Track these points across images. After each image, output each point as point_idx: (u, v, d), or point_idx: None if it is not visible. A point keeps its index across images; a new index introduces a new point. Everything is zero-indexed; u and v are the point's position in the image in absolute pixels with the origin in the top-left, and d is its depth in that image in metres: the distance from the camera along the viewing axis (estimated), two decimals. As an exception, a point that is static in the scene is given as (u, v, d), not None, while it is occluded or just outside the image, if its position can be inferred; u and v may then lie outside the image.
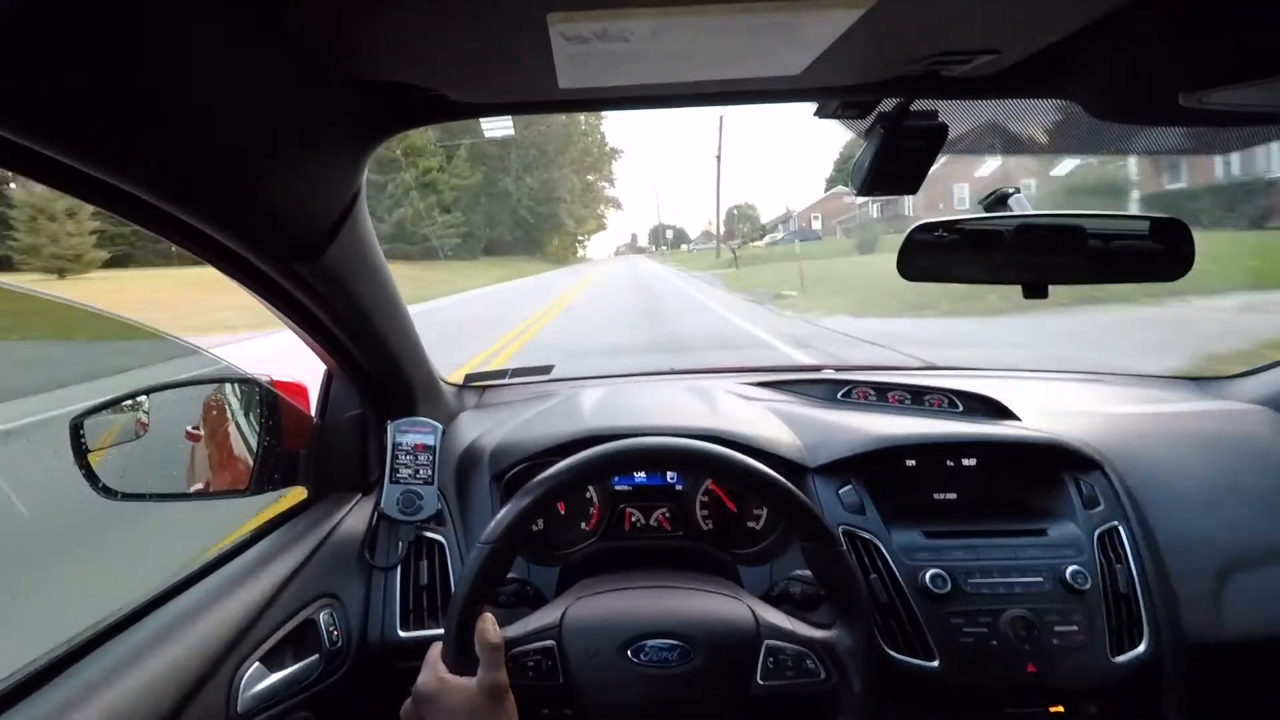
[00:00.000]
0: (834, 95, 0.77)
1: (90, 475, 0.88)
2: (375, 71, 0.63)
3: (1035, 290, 0.97)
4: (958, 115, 0.84)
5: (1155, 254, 0.98)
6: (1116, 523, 1.12)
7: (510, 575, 1.07)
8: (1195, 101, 0.66)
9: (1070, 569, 1.04)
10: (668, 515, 1.25)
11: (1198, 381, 1.62)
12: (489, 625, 0.80)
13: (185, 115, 0.50)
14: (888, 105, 0.78)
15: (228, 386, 1.08)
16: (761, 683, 0.83)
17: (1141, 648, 1.02)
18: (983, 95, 0.75)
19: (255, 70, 0.53)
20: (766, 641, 0.84)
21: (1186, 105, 0.67)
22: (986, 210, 1.05)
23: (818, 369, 1.69)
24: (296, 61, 0.56)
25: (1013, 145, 0.96)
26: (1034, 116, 0.84)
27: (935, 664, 0.99)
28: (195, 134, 0.53)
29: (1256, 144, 0.82)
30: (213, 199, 0.59)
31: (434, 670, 0.79)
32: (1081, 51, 0.60)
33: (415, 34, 0.55)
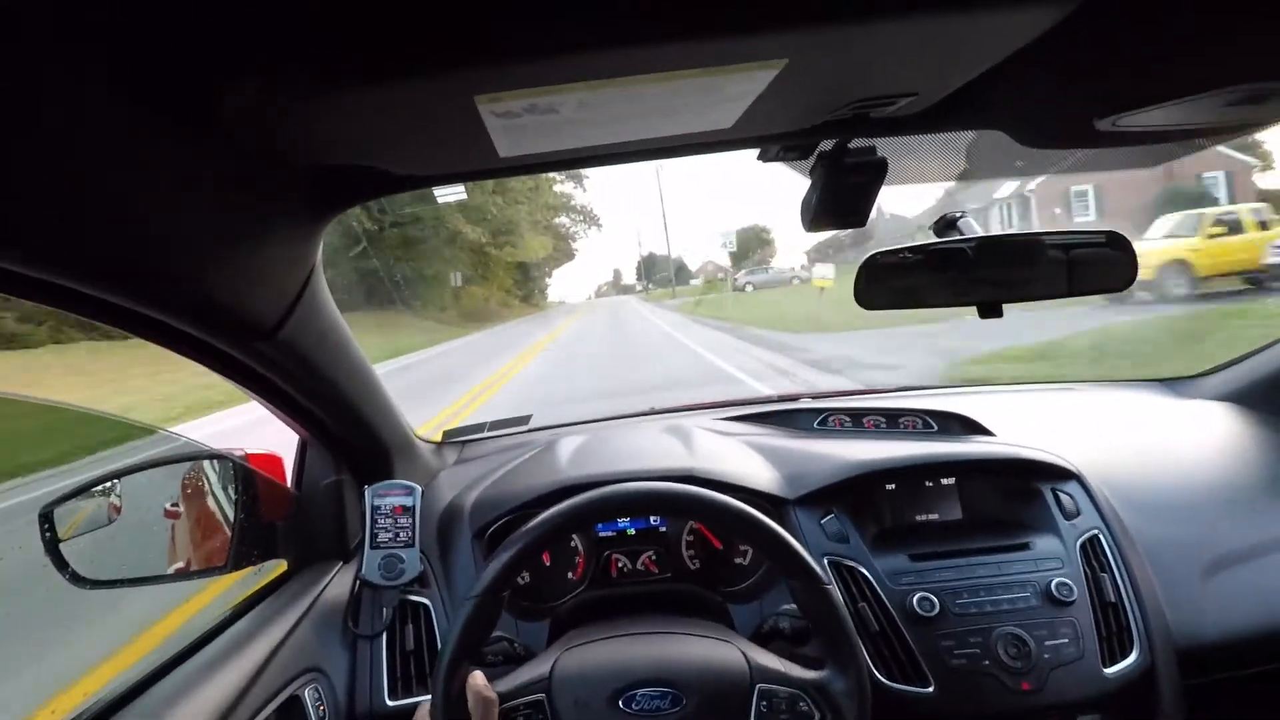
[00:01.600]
0: (770, 142, 0.79)
1: (61, 564, 0.87)
2: (317, 155, 0.64)
3: (990, 310, 0.99)
4: (896, 149, 0.87)
5: (1110, 263, 1.01)
6: (1097, 531, 1.13)
7: (498, 634, 1.06)
8: (1110, 125, 0.69)
9: (1055, 581, 1.05)
10: (654, 558, 1.24)
11: (1165, 382, 1.65)
12: (480, 681, 0.79)
13: (132, 212, 0.51)
14: (827, 145, 0.81)
15: (202, 464, 1.08)
16: None
17: (1133, 656, 1.02)
18: (911, 131, 0.78)
19: (199, 164, 0.55)
20: (759, 685, 0.83)
21: (1102, 129, 0.70)
22: (937, 235, 1.08)
23: (795, 398, 1.70)
24: (239, 153, 0.57)
25: (951, 174, 1.00)
26: (966, 146, 0.87)
27: (930, 690, 0.99)
28: (144, 230, 0.54)
29: (1172, 159, 0.86)
30: (168, 289, 0.60)
31: None
32: (998, 85, 0.63)
33: (351, 119, 0.56)
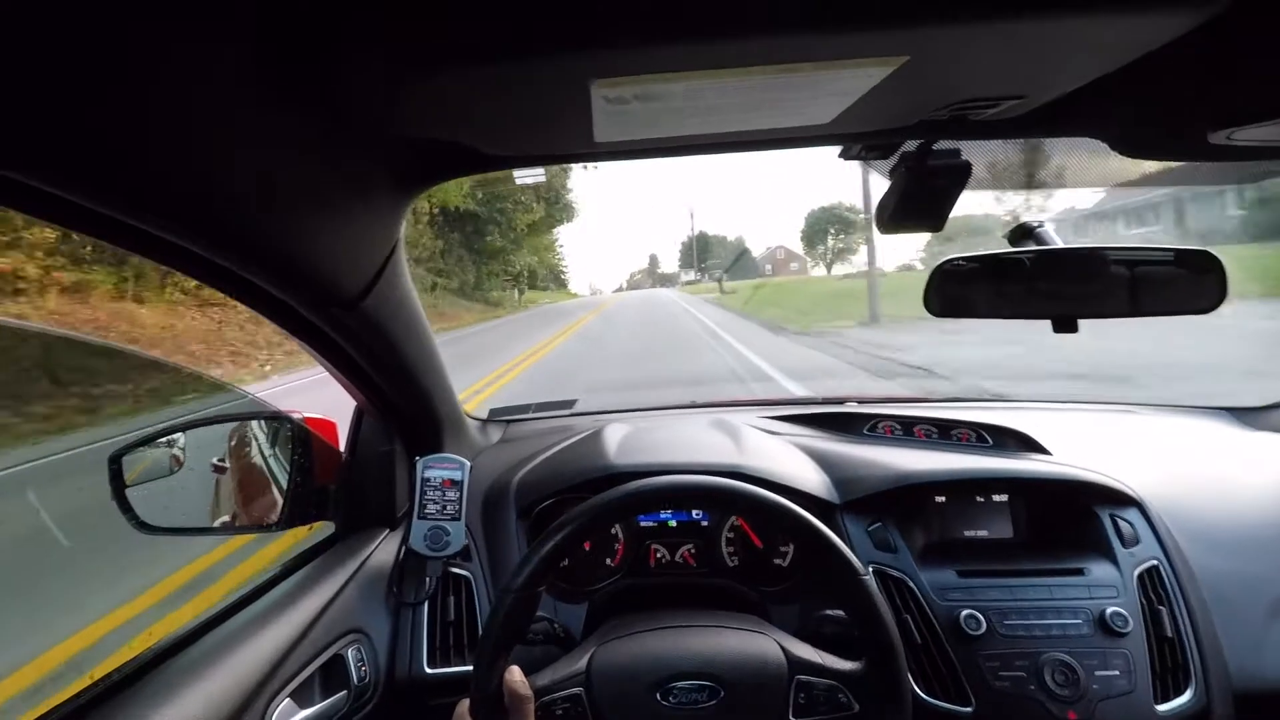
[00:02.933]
0: (859, 140, 0.78)
1: (126, 508, 0.90)
2: (414, 128, 0.65)
3: (1064, 324, 0.96)
4: (981, 153, 0.84)
5: (1183, 283, 0.97)
6: (1157, 562, 1.08)
7: (538, 614, 1.07)
8: (1224, 139, 0.66)
9: (1110, 610, 1.01)
10: (693, 552, 1.24)
11: (1233, 411, 1.58)
12: (517, 677, 0.79)
13: (236, 176, 0.53)
14: (911, 145, 0.79)
15: (260, 422, 1.10)
16: (794, 719, 0.82)
17: (1188, 695, 0.98)
18: (1007, 135, 0.75)
19: (301, 133, 0.56)
20: (797, 677, 0.83)
21: (1215, 142, 0.67)
22: (1011, 243, 1.05)
23: (841, 402, 1.68)
24: (340, 119, 0.58)
25: (1037, 181, 0.97)
26: (1059, 153, 0.84)
27: (970, 709, 0.96)
28: (245, 193, 0.55)
29: (1277, 175, 0.82)
30: (260, 252, 0.62)
31: None
32: (1108, 93, 0.60)
33: (458, 96, 0.56)
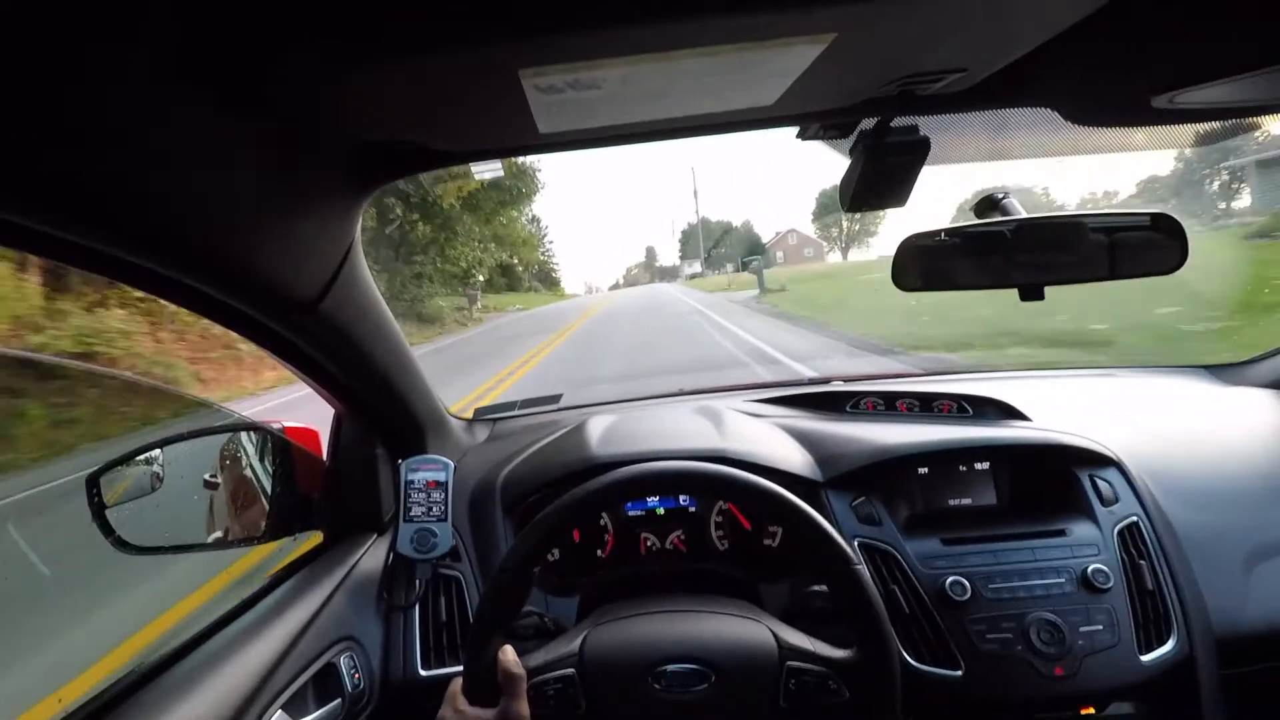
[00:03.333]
0: (811, 119, 0.78)
1: (106, 529, 0.90)
2: (359, 129, 0.65)
3: (1031, 292, 0.97)
4: (939, 127, 0.85)
5: (1155, 246, 0.99)
6: (1136, 518, 1.11)
7: (528, 609, 1.07)
8: (1167, 102, 0.66)
9: (1092, 567, 1.03)
10: (682, 538, 1.25)
11: (1210, 369, 1.61)
12: (510, 656, 0.80)
13: (179, 187, 0.52)
14: (868, 124, 0.79)
15: (240, 435, 1.10)
16: (785, 705, 0.82)
17: (1170, 644, 1.00)
18: (958, 109, 0.76)
19: (243, 135, 0.55)
20: (789, 663, 0.83)
21: (1159, 106, 0.68)
22: (978, 215, 1.05)
23: (825, 381, 1.69)
24: (282, 125, 0.58)
25: (996, 152, 0.97)
26: (1015, 124, 0.85)
27: (959, 673, 0.98)
28: (190, 203, 0.55)
29: (1229, 137, 0.83)
30: (211, 262, 0.61)
31: (454, 703, 0.79)
32: (1051, 62, 0.61)
33: (394, 93, 0.56)
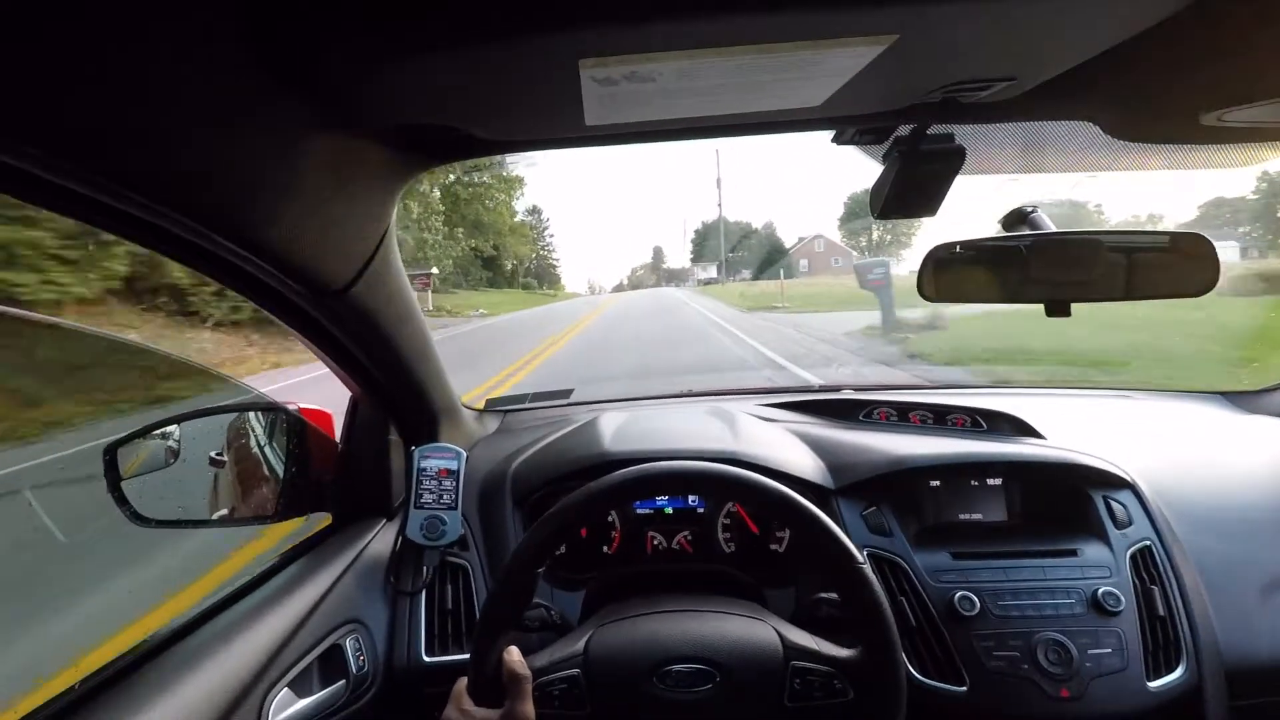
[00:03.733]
0: (851, 123, 0.78)
1: (122, 501, 0.90)
2: (406, 115, 0.64)
3: (1058, 308, 0.96)
4: (975, 137, 0.84)
5: (1178, 268, 0.98)
6: (1149, 542, 1.10)
7: (535, 601, 1.07)
8: (1216, 120, 0.66)
9: (1102, 590, 1.02)
10: (690, 538, 1.24)
11: (1228, 396, 1.59)
12: (515, 657, 0.79)
13: (226, 165, 0.53)
14: (904, 130, 0.79)
15: (255, 414, 1.10)
16: (789, 705, 0.82)
17: (1179, 672, 0.99)
18: (1000, 119, 0.75)
19: (291, 121, 0.55)
20: (793, 662, 0.83)
21: (1207, 124, 0.67)
22: (1005, 228, 1.05)
23: (837, 389, 1.68)
24: (330, 109, 0.58)
25: (1031, 165, 0.96)
26: (1052, 137, 0.84)
27: (964, 689, 0.98)
28: (236, 181, 0.55)
29: (1267, 159, 0.82)
30: (251, 238, 0.61)
31: (459, 703, 0.78)
32: (1100, 75, 0.60)
33: (447, 80, 0.56)
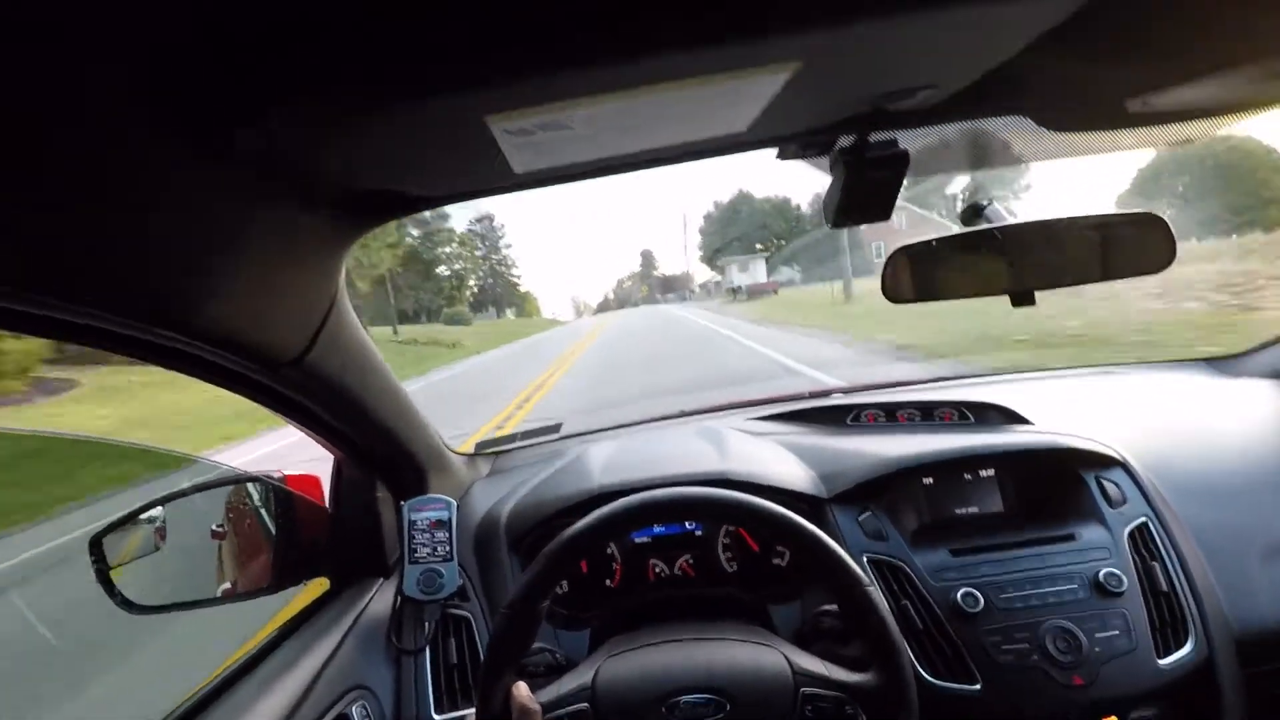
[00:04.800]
0: (788, 141, 0.78)
1: (112, 591, 0.89)
2: (338, 179, 0.65)
3: (1022, 298, 0.97)
4: (918, 140, 0.85)
5: (1143, 246, 0.99)
6: (1145, 518, 1.10)
7: (539, 645, 1.06)
8: (1141, 105, 0.67)
9: (1104, 571, 1.02)
10: (691, 562, 1.24)
11: (1209, 361, 1.60)
12: (523, 693, 0.79)
13: (154, 240, 0.52)
14: (846, 141, 0.80)
15: (239, 488, 1.10)
16: None
17: (1189, 646, 0.99)
18: (933, 123, 0.76)
19: (218, 191, 0.55)
20: (803, 689, 0.82)
21: (1133, 109, 0.68)
22: (965, 224, 1.06)
23: (825, 394, 1.69)
24: (259, 179, 0.58)
25: (975, 162, 0.98)
26: (991, 133, 0.85)
27: (977, 687, 0.97)
28: (167, 261, 0.54)
29: (1205, 136, 0.83)
30: (192, 318, 0.61)
31: None
32: (1023, 71, 0.61)
33: (369, 144, 0.57)
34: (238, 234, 0.60)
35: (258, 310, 0.68)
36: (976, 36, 0.54)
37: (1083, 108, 0.74)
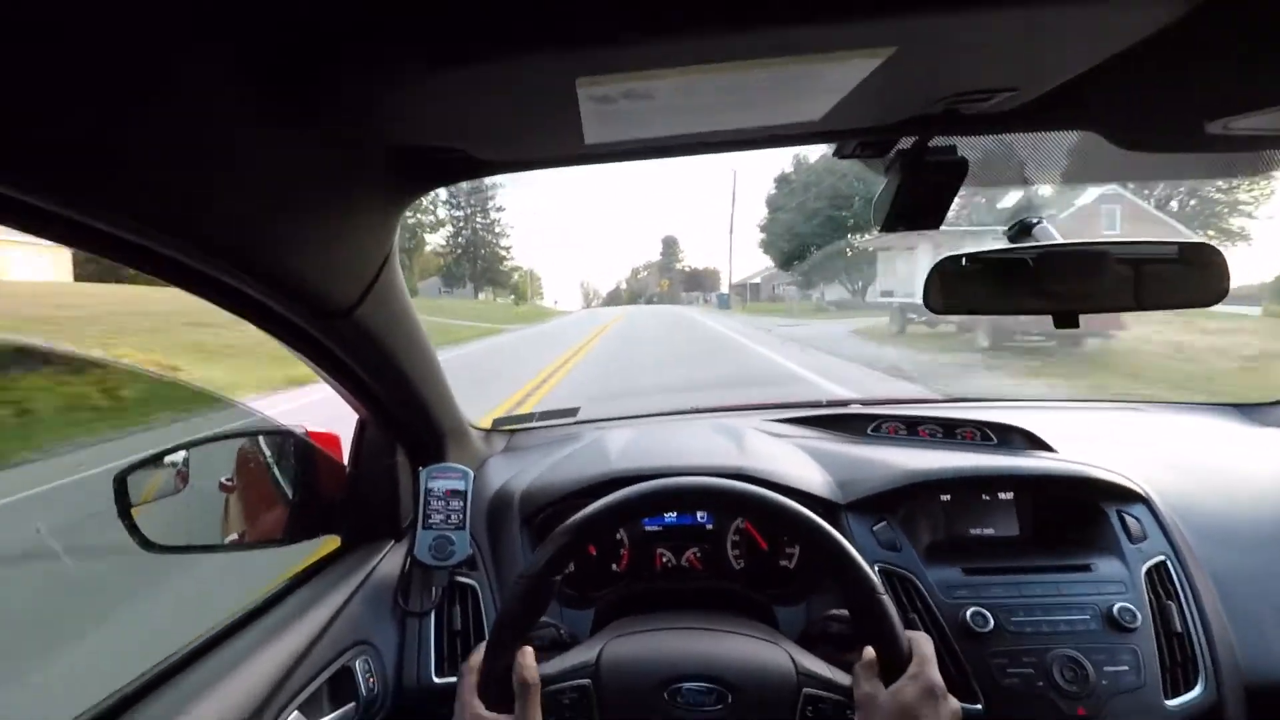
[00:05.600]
0: (853, 136, 0.78)
1: (132, 528, 0.90)
2: (406, 138, 0.65)
3: (1065, 319, 0.95)
4: (978, 149, 0.84)
5: (1187, 277, 0.97)
6: (1165, 557, 1.08)
7: (544, 620, 1.06)
8: (1221, 128, 0.65)
9: (1118, 605, 1.01)
10: (699, 555, 1.23)
11: (1240, 408, 1.58)
12: (528, 660, 0.79)
13: (229, 189, 0.53)
14: (906, 143, 0.79)
15: (263, 438, 1.10)
16: None
17: (1198, 689, 0.97)
18: (1002, 130, 0.75)
19: (292, 145, 0.56)
20: (806, 689, 0.82)
21: (1212, 132, 0.66)
22: (1011, 240, 1.04)
23: (845, 404, 1.68)
24: (329, 132, 0.58)
25: (1034, 176, 0.96)
26: (1055, 147, 0.84)
27: (979, 707, 0.96)
28: (238, 205, 0.55)
29: None
30: (253, 264, 0.61)
31: (468, 706, 0.78)
32: (1102, 83, 0.60)
33: (445, 102, 0.57)
34: (301, 181, 0.60)
35: (314, 258, 0.68)
36: (1069, 38, 0.53)
37: (1158, 126, 0.73)
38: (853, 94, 0.58)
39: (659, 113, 0.60)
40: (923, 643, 0.79)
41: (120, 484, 0.89)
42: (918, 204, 0.84)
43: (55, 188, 0.43)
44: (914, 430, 1.45)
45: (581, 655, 0.87)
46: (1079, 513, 1.17)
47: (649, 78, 0.51)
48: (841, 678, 0.83)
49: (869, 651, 0.79)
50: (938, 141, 0.78)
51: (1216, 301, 0.95)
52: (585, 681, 0.83)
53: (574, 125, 0.62)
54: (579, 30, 0.45)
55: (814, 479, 1.21)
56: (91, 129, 0.41)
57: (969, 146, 0.82)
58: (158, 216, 0.50)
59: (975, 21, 0.47)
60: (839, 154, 0.84)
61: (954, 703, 0.75)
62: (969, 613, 1.01)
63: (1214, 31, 0.52)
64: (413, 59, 0.47)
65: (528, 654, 0.80)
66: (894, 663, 0.77)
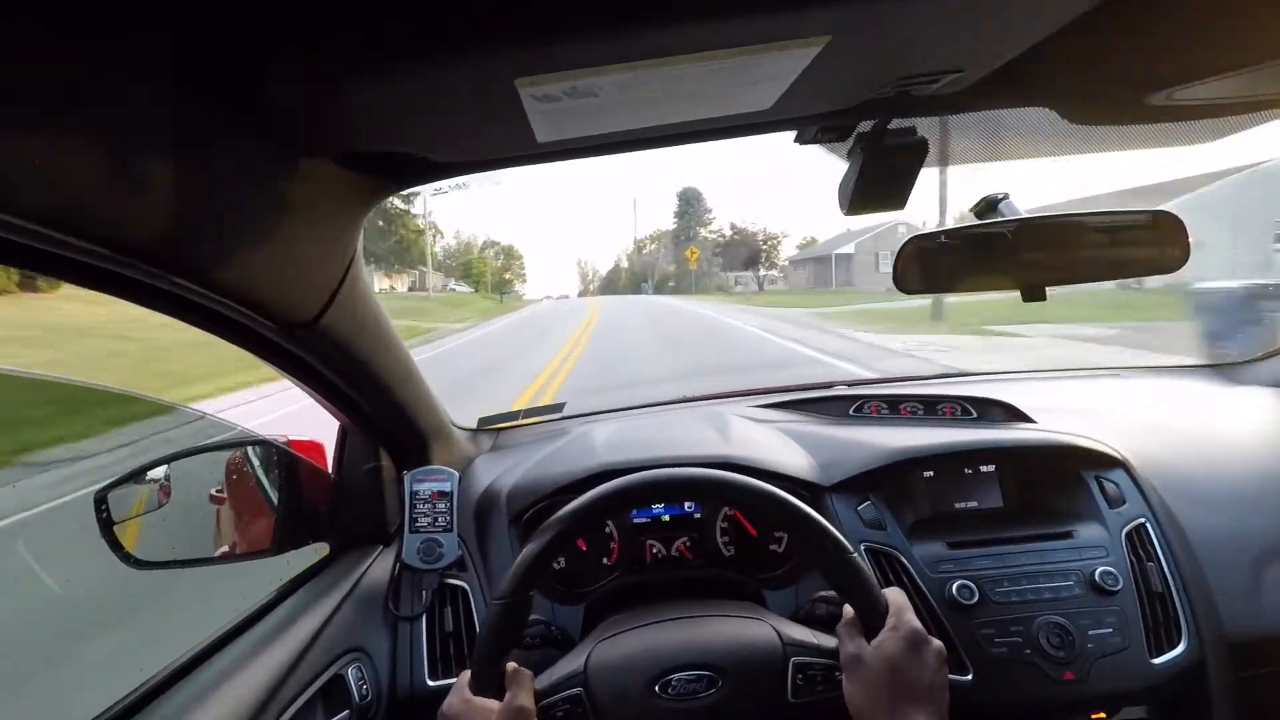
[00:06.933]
0: (809, 123, 0.78)
1: (115, 546, 0.90)
2: (358, 142, 0.65)
3: (1033, 293, 0.97)
4: (938, 129, 0.85)
5: (1157, 245, 0.99)
6: (1144, 519, 1.10)
7: (535, 617, 1.07)
8: (1165, 99, 0.66)
9: (1100, 570, 1.03)
10: (688, 544, 1.24)
11: (1215, 368, 1.61)
12: (523, 683, 0.79)
13: (179, 198, 0.52)
14: (865, 126, 0.80)
15: (245, 449, 1.10)
16: (793, 700, 0.82)
17: (1181, 647, 1.00)
18: (955, 110, 0.76)
19: (243, 150, 0.56)
20: (793, 658, 0.84)
21: (1157, 103, 0.68)
22: (978, 217, 1.06)
23: (829, 385, 1.69)
24: (281, 138, 0.58)
25: (994, 153, 0.97)
26: (1012, 124, 0.85)
27: (968, 678, 0.98)
28: (190, 217, 0.54)
29: (1229, 134, 0.83)
30: (210, 278, 0.61)
31: (461, 693, 0.79)
32: (1047, 60, 0.61)
33: (390, 108, 0.57)
34: (256, 192, 0.60)
35: (275, 269, 0.68)
36: (1006, 19, 0.53)
37: (1105, 100, 0.74)
38: (799, 82, 0.59)
39: (605, 110, 0.60)
40: (895, 594, 0.82)
41: (101, 502, 0.89)
42: (881, 187, 0.85)
43: (4, 209, 0.42)
44: (895, 409, 1.46)
45: (570, 665, 0.87)
46: (1059, 481, 1.19)
47: (589, 74, 0.51)
48: (827, 641, 0.85)
49: (848, 610, 0.81)
50: (898, 123, 0.79)
51: (1178, 267, 0.96)
52: (577, 690, 0.84)
53: (523, 125, 0.62)
54: (515, 31, 0.45)
55: (797, 462, 1.22)
56: (32, 149, 0.40)
57: (929, 127, 0.82)
58: (107, 237, 0.49)
59: (909, 7, 0.48)
60: (799, 140, 0.84)
61: (936, 643, 0.78)
62: (955, 586, 1.03)
63: (1150, 6, 0.53)
64: (352, 62, 0.47)
65: (523, 675, 0.80)
66: (873, 618, 0.79)
